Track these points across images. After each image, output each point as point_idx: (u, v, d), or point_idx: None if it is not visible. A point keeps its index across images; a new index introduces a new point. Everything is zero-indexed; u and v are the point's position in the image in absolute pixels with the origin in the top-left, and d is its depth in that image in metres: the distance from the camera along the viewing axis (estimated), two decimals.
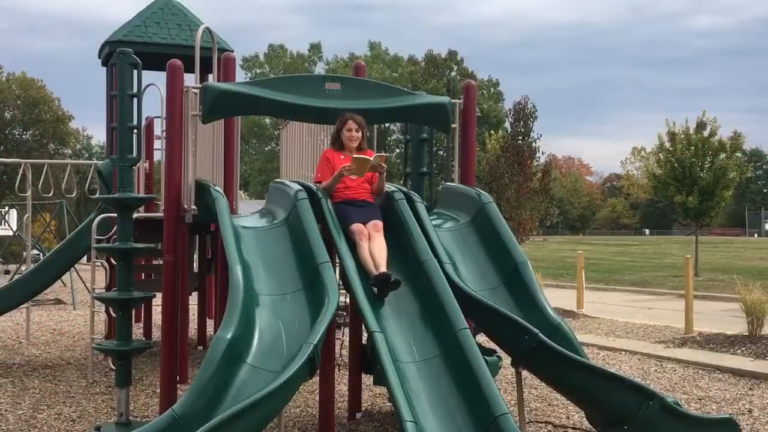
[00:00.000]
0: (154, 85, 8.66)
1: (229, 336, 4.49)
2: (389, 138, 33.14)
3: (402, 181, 7.85)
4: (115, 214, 6.79)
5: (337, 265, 5.65)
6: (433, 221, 6.16)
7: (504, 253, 5.78)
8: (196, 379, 4.36)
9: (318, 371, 6.05)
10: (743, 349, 10.27)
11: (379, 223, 5.70)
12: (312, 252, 5.24)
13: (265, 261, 5.39)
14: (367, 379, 7.68)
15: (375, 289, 5.28)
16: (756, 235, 73.20)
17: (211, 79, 9.21)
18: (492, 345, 6.26)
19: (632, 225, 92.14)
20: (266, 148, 70.31)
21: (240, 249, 5.24)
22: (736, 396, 8.06)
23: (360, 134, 6.00)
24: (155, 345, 8.51)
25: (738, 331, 11.12)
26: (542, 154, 20.61)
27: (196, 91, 6.30)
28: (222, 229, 5.36)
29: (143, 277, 11.26)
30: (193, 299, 10.49)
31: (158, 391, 6.72)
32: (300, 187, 5.81)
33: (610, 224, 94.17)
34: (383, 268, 5.33)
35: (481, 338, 6.91)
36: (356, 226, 5.62)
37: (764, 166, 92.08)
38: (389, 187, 6.14)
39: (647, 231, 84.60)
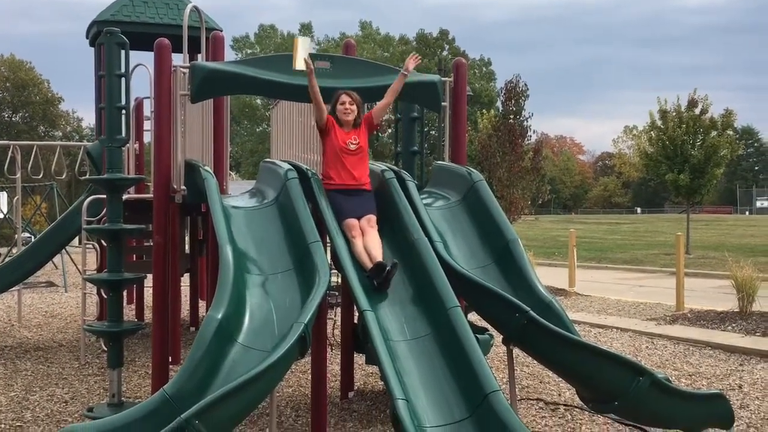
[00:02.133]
0: (142, 65, 8.59)
1: (219, 316, 4.47)
2: (381, 118, 33.00)
3: (393, 161, 7.82)
4: (105, 196, 6.75)
5: (328, 245, 5.64)
6: (424, 200, 6.15)
7: (495, 231, 5.77)
8: (188, 359, 4.35)
9: (310, 351, 6.07)
10: (734, 325, 10.33)
11: (373, 218, 5.60)
12: (302, 231, 5.22)
13: (256, 241, 5.37)
14: (359, 359, 7.71)
15: (375, 283, 5.17)
16: (747, 212, 73.46)
17: (200, 59, 9.14)
18: (484, 323, 6.26)
19: (624, 204, 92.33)
20: (257, 129, 70.04)
21: (230, 229, 5.21)
22: (727, 372, 8.11)
23: (354, 107, 5.87)
24: (147, 326, 8.50)
25: (729, 307, 11.19)
26: (534, 132, 20.56)
27: (185, 70, 6.25)
28: (212, 208, 5.33)
29: (134, 259, 11.24)
30: (186, 281, 10.47)
31: (150, 372, 6.72)
32: (290, 167, 5.79)
33: (602, 203, 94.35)
34: (379, 259, 5.26)
35: (473, 317, 6.92)
36: (349, 223, 5.52)
37: (755, 144, 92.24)
38: (380, 166, 6.12)
39: (639, 209, 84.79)
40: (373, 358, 6.13)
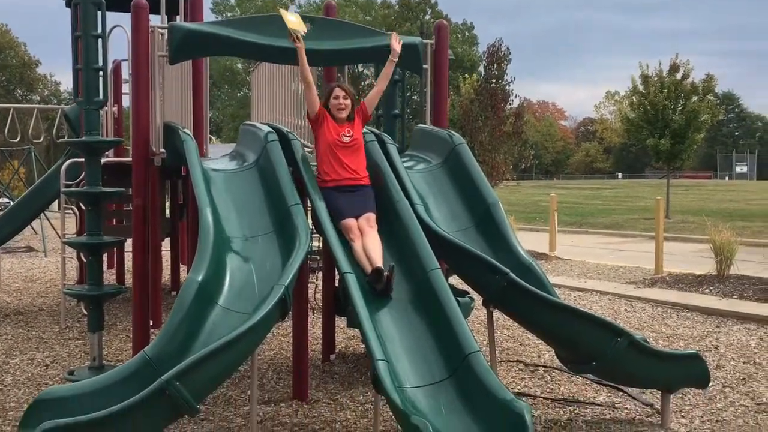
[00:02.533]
0: (120, 26, 8.44)
1: (200, 278, 4.46)
2: (363, 83, 32.79)
3: (374, 124, 7.78)
4: (83, 159, 6.68)
5: (309, 209, 5.62)
6: (405, 163, 6.13)
7: (475, 194, 5.77)
8: (168, 322, 4.34)
9: (291, 314, 6.08)
10: (711, 288, 10.45)
11: (372, 216, 5.30)
12: (282, 194, 5.20)
13: (236, 203, 5.34)
14: (340, 322, 7.73)
15: (376, 289, 4.89)
16: (727, 177, 74.01)
17: (179, 20, 9.01)
18: (464, 287, 6.29)
19: (605, 169, 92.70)
20: (238, 94, 69.43)
21: (210, 191, 5.18)
22: (703, 333, 8.22)
23: (348, 101, 5.57)
24: (128, 290, 8.48)
25: (707, 271, 11.31)
26: (516, 97, 20.53)
27: (163, 31, 6.15)
28: (191, 170, 5.28)
29: (114, 223, 11.18)
30: (166, 246, 10.43)
31: (131, 336, 6.71)
32: (270, 129, 5.74)
33: (583, 168, 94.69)
34: (379, 264, 4.97)
35: (454, 280, 6.95)
36: (347, 224, 5.22)
37: (736, 110, 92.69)
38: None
39: (620, 175, 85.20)
40: (354, 321, 6.15)
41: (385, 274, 4.86)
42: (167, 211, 10.98)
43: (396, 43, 5.90)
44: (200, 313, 4.44)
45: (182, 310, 4.34)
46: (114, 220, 11.23)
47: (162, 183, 8.99)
